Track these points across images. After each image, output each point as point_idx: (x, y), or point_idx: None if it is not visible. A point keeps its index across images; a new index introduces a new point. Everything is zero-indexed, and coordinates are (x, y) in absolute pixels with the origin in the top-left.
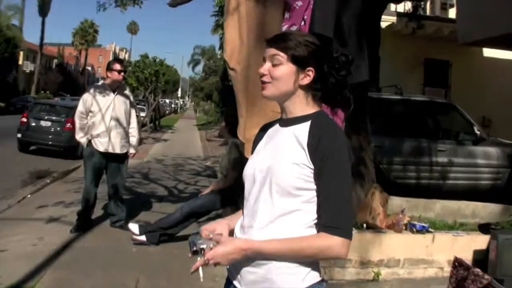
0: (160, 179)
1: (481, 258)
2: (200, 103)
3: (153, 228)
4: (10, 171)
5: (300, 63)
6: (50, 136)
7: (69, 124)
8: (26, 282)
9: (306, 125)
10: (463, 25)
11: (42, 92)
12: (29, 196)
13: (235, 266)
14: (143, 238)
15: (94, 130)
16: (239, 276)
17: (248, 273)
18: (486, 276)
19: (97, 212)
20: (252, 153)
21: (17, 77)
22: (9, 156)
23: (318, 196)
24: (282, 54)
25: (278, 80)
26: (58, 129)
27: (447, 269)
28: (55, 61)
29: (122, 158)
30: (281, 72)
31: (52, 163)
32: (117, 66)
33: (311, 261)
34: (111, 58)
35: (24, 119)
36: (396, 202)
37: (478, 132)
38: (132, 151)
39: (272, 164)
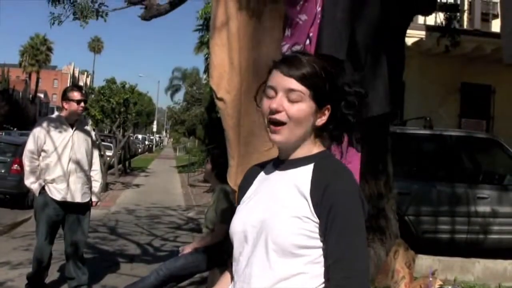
0: (131, 233)
1: None
2: (180, 139)
3: None
4: None
5: (320, 99)
6: None
7: (16, 165)
8: None
9: (309, 169)
10: (509, 40)
11: None
12: None
13: None
14: None
15: (48, 174)
16: None
17: None
18: None
19: (52, 275)
20: (239, 202)
21: None
22: None
23: (326, 258)
24: (303, 88)
25: (296, 121)
26: (3, 171)
27: None
28: None
29: (83, 208)
30: (301, 112)
31: None
32: (76, 95)
33: None
34: (68, 84)
35: None
36: (426, 262)
37: None
38: (94, 199)
39: (267, 217)
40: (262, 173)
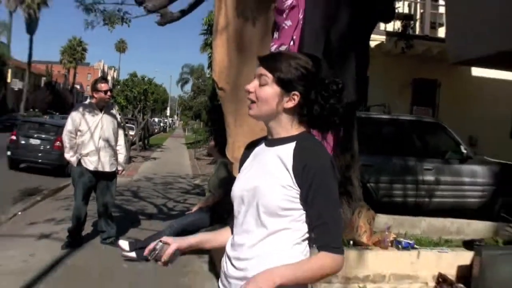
0: (149, 197)
1: (465, 274)
2: (188, 122)
3: (143, 244)
4: (0, 189)
5: (285, 86)
6: (39, 154)
7: (58, 142)
8: None
9: (291, 147)
10: (453, 44)
11: (31, 110)
12: (20, 213)
13: (226, 279)
14: (133, 254)
15: (83, 149)
16: None
17: (238, 286)
18: None
19: (88, 229)
20: (238, 171)
21: (6, 95)
22: None
23: (311, 218)
24: (269, 74)
25: (261, 101)
26: (48, 147)
27: (432, 285)
28: (44, 79)
29: (111, 176)
30: (265, 93)
31: (42, 180)
32: (103, 86)
33: None
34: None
35: (14, 137)
36: (383, 219)
37: (464, 151)
38: (120, 168)
39: (258, 185)
40: (256, 149)
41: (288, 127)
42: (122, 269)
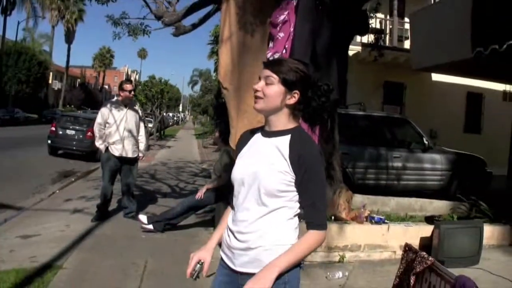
0: (164, 178)
1: (426, 244)
2: (197, 116)
3: (159, 218)
4: (42, 171)
5: (289, 85)
6: (74, 143)
7: (89, 133)
8: (56, 261)
9: (286, 139)
10: (415, 54)
11: (68, 106)
12: (57, 191)
13: (229, 250)
14: (150, 226)
15: (110, 138)
16: (232, 258)
17: (241, 255)
18: (430, 258)
19: (113, 205)
20: (236, 155)
21: (47, 93)
22: (41, 159)
23: (303, 199)
24: (275, 76)
25: (268, 97)
26: (81, 136)
27: (399, 253)
28: (79, 80)
29: (133, 161)
30: (272, 91)
31: (76, 164)
32: (128, 86)
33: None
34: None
35: (53, 128)
36: (359, 199)
37: (426, 142)
38: (141, 154)
39: (259, 170)
40: (253, 138)
41: (285, 121)
42: (141, 238)
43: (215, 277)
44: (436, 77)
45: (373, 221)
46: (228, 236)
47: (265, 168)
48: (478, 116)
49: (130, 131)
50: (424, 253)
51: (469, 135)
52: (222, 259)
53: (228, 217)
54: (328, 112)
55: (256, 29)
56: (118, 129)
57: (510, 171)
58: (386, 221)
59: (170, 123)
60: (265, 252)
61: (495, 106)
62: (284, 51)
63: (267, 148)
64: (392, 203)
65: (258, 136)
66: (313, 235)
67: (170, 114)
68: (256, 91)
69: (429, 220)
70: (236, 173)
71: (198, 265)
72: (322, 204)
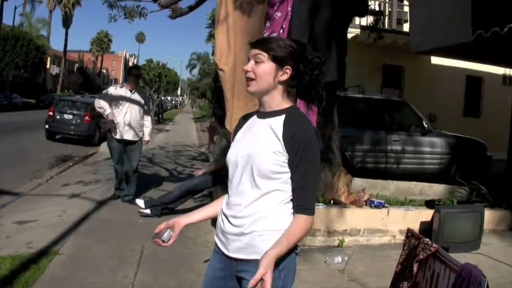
0: (162, 162)
1: (426, 228)
2: (196, 100)
3: (156, 203)
4: (39, 156)
5: (279, 62)
6: (72, 127)
7: (87, 117)
8: (52, 247)
9: (281, 119)
10: (414, 37)
11: (66, 91)
12: (55, 176)
13: (223, 235)
14: (148, 211)
15: (115, 120)
16: (226, 243)
17: (235, 241)
18: (434, 245)
19: (110, 190)
20: (232, 139)
21: (45, 78)
22: (38, 144)
23: (293, 180)
24: (264, 53)
25: (260, 77)
26: (79, 121)
27: (399, 237)
28: (76, 65)
29: (135, 144)
30: (263, 69)
31: (74, 149)
32: (135, 72)
33: None
34: (122, 63)
35: (51, 113)
36: (358, 182)
37: (426, 126)
38: (146, 138)
39: (252, 152)
40: (249, 120)
41: (280, 100)
42: (138, 223)
43: (209, 263)
44: (435, 60)
45: (372, 205)
46: (222, 221)
47: (258, 148)
48: (477, 100)
49: (134, 115)
50: (428, 240)
51: (468, 119)
52: (216, 244)
53: (222, 201)
54: (322, 86)
55: (253, 9)
56: (122, 112)
57: (510, 155)
58: (385, 205)
59: (169, 107)
60: (259, 238)
61: (494, 90)
62: (281, 31)
63: (261, 129)
64: (392, 187)
65: (253, 118)
66: (303, 220)
67: (169, 98)
68: (247, 72)
69: (429, 204)
70: (230, 156)
71: (167, 233)
72: (313, 187)
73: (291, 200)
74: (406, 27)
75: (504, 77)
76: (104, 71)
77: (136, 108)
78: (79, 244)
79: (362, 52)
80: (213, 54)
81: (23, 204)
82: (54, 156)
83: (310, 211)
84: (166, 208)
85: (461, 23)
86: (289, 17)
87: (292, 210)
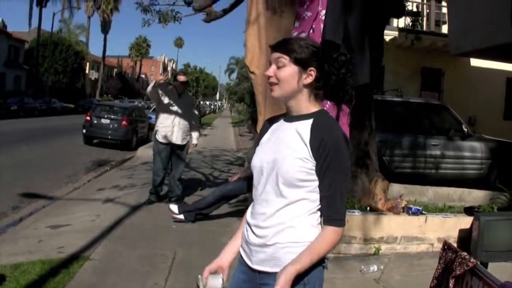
0: (199, 167)
1: (465, 236)
2: (234, 104)
3: (190, 208)
4: (76, 160)
5: (302, 64)
6: (109, 132)
7: (124, 122)
8: (84, 252)
9: (308, 123)
10: (453, 38)
11: (105, 95)
12: (91, 180)
13: (247, 245)
14: (181, 216)
15: (161, 124)
16: (250, 254)
17: (258, 252)
18: (472, 260)
19: (144, 195)
20: (257, 145)
21: (84, 83)
22: (76, 148)
23: (322, 190)
24: (285, 56)
25: (283, 81)
26: (116, 125)
27: (437, 245)
28: (115, 70)
29: (182, 148)
30: (285, 73)
31: (111, 153)
32: (181, 78)
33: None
34: (161, 68)
35: (88, 118)
36: (395, 188)
37: (466, 129)
38: (195, 142)
39: (277, 157)
40: (275, 124)
41: (307, 104)
42: (171, 229)
43: (233, 274)
44: (475, 62)
45: (410, 212)
46: (246, 230)
47: (283, 154)
48: None
49: (181, 119)
50: (465, 254)
51: (509, 122)
52: (240, 255)
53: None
54: (351, 85)
55: (285, 9)
56: (169, 116)
57: None
58: (423, 212)
59: (207, 112)
60: (282, 250)
61: None
62: (311, 31)
63: (288, 133)
64: (430, 193)
65: (280, 122)
66: (331, 232)
67: (207, 103)
68: (269, 77)
69: (468, 211)
70: (255, 161)
71: (215, 280)
72: (343, 196)
73: (318, 210)
74: (444, 29)
75: None
76: (143, 76)
77: (184, 112)
78: (111, 249)
79: (401, 55)
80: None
81: (58, 209)
82: (91, 160)
83: (339, 222)
84: (200, 214)
85: (501, 23)
86: (320, 17)
87: (318, 221)
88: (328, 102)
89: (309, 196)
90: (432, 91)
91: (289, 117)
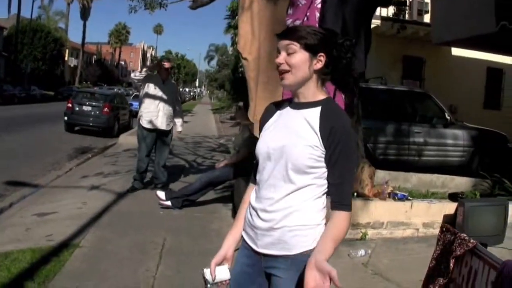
0: (182, 154)
1: (449, 221)
2: (214, 91)
3: (177, 194)
4: (58, 148)
5: (312, 50)
6: (91, 119)
7: (106, 108)
8: (73, 239)
9: (317, 111)
10: (436, 28)
11: (84, 82)
12: (74, 168)
13: (252, 229)
14: (168, 203)
15: (146, 110)
16: (255, 238)
17: (264, 236)
18: (472, 241)
19: (130, 182)
20: (260, 128)
21: (64, 70)
22: (57, 135)
23: (331, 176)
24: (295, 43)
25: (295, 68)
26: (97, 112)
27: (422, 230)
28: (94, 57)
29: (167, 134)
30: (297, 59)
31: (93, 140)
32: (166, 64)
33: (319, 225)
34: (140, 55)
35: (70, 105)
36: (380, 175)
37: (448, 117)
38: (179, 129)
39: (286, 144)
40: (280, 110)
41: (314, 90)
42: (159, 215)
43: (236, 259)
44: (456, 51)
45: (396, 197)
46: (251, 214)
47: (293, 142)
48: (498, 92)
49: (166, 105)
50: (464, 235)
51: (488, 111)
52: (243, 239)
53: (251, 194)
54: (355, 69)
55: None
56: (153, 101)
57: None
58: (409, 198)
59: (187, 98)
60: (289, 233)
61: None
62: (305, 18)
63: (296, 121)
64: (414, 179)
65: (286, 109)
66: (344, 217)
67: (187, 89)
68: (280, 64)
69: (452, 197)
70: (262, 147)
71: (222, 269)
72: (350, 183)
73: (324, 194)
74: (426, 18)
75: None
76: (122, 62)
77: (168, 99)
78: (100, 236)
79: (383, 43)
80: (232, 45)
81: (43, 196)
82: (73, 148)
83: (348, 208)
84: (187, 200)
85: (484, 14)
86: (315, 5)
87: (324, 205)
88: (328, 87)
89: (316, 181)
90: (413, 79)
91: (296, 103)
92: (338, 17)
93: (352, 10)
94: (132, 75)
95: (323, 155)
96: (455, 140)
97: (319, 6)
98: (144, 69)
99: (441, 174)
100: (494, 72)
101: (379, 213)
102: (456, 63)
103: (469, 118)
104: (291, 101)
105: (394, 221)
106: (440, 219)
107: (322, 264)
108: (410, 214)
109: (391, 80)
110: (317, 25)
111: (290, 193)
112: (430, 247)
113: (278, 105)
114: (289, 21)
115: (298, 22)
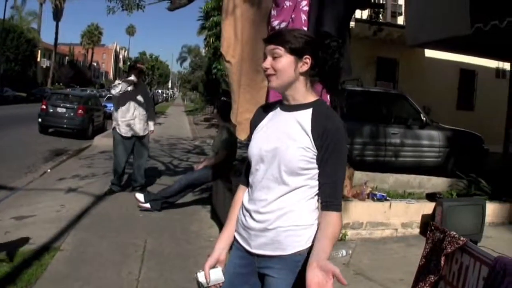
0: (158, 156)
1: (427, 221)
2: (187, 93)
3: (156, 197)
4: (33, 150)
5: (297, 53)
6: (65, 120)
7: (80, 110)
8: (54, 242)
9: (308, 113)
10: (411, 30)
11: (57, 84)
12: (49, 170)
13: (245, 230)
14: (147, 205)
15: (122, 117)
16: (248, 239)
17: (258, 236)
18: (462, 238)
19: (108, 183)
20: (251, 130)
21: (36, 71)
22: (31, 137)
23: (323, 177)
24: (280, 47)
25: (280, 71)
26: (72, 114)
27: (400, 230)
28: (67, 58)
29: (144, 139)
30: (282, 63)
31: (68, 142)
32: (142, 67)
33: (313, 225)
34: (112, 56)
35: (44, 106)
36: (358, 175)
37: (424, 119)
38: (151, 129)
39: (279, 146)
40: (271, 112)
41: (304, 91)
42: (138, 217)
43: (229, 260)
44: (429, 53)
45: (375, 198)
46: (244, 216)
47: (286, 144)
48: (470, 93)
49: (140, 109)
50: (454, 233)
51: (462, 112)
52: (236, 240)
53: (243, 196)
54: (343, 68)
55: (262, 1)
56: (129, 106)
57: (506, 149)
58: (387, 198)
59: (160, 100)
60: (283, 234)
61: (488, 83)
62: (290, 20)
63: (288, 123)
64: (391, 180)
65: (276, 110)
66: (336, 217)
67: (160, 91)
68: (266, 69)
69: (430, 197)
70: (254, 149)
71: (216, 271)
72: (341, 184)
73: (316, 195)
74: (400, 20)
75: (497, 70)
76: (95, 64)
77: (141, 102)
78: (81, 239)
79: (357, 45)
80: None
81: (20, 199)
82: (48, 150)
83: (339, 207)
84: (166, 202)
85: (459, 16)
86: (300, 7)
87: (316, 206)
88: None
89: (309, 182)
90: (387, 81)
91: (287, 106)
92: (335, 20)
93: (339, 13)
94: (113, 91)
95: (315, 157)
96: (431, 141)
97: (305, 8)
98: (126, 85)
99: (418, 174)
100: (467, 73)
101: (359, 213)
102: (429, 64)
103: (442, 119)
104: (282, 103)
105: (373, 221)
106: (418, 219)
107: (325, 263)
108: (389, 215)
109: (365, 81)
110: (303, 27)
111: (284, 194)
112: (409, 247)
113: (269, 107)
114: (275, 23)
115: (284, 24)
